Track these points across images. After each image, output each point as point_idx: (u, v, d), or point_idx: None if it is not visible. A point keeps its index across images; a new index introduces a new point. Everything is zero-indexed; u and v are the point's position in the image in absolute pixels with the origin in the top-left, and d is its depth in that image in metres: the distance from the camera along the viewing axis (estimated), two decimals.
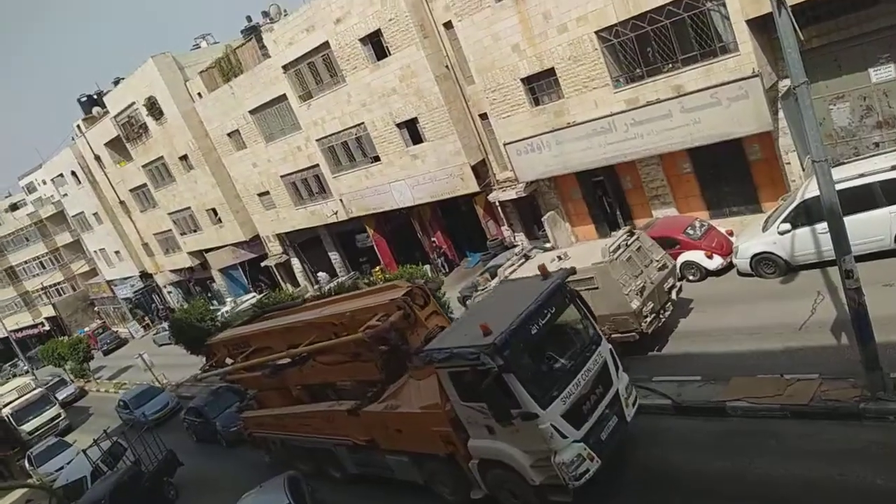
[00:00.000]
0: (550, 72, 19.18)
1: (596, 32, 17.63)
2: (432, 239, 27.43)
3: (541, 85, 19.83)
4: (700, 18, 16.02)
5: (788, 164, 16.91)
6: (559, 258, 15.02)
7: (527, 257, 16.59)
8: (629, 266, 13.35)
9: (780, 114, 16.45)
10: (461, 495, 10.90)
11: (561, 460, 8.88)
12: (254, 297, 31.87)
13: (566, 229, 22.56)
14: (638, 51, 17.26)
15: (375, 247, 29.22)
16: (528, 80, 19.89)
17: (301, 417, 13.98)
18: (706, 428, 10.71)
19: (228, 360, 16.01)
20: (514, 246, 23.84)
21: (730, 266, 15.98)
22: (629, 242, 13.93)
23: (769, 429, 9.94)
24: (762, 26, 15.47)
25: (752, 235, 15.30)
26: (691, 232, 16.60)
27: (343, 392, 13.56)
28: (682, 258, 16.29)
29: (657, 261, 14.05)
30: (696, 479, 9.58)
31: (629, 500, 9.90)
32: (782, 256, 14.49)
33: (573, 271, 11.05)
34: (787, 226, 14.16)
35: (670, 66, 16.99)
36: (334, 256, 32.28)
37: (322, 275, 32.23)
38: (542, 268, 10.66)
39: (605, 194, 21.45)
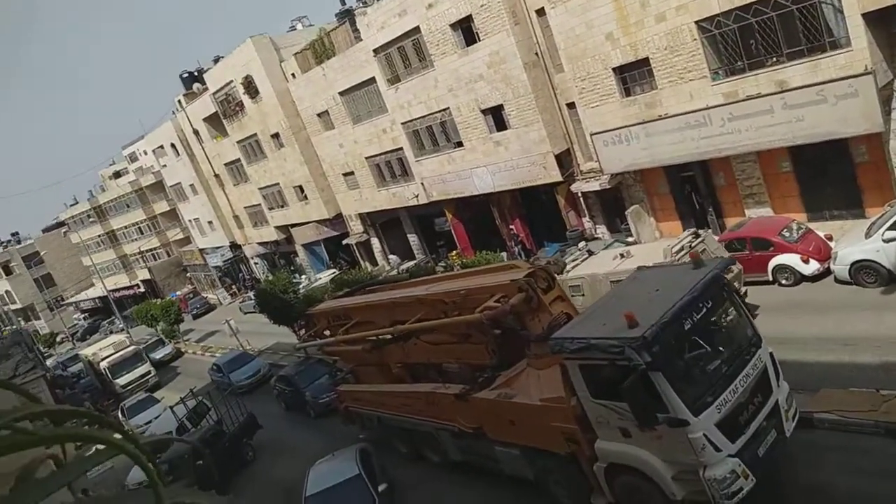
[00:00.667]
0: (644, 62, 18.68)
1: (696, 22, 17.02)
2: (510, 226, 27.37)
3: (633, 75, 19.35)
4: (810, 11, 15.17)
5: None
6: (621, 256, 14.71)
7: (590, 252, 16.37)
8: None
9: (894, 114, 15.39)
10: (579, 499, 10.08)
11: (712, 476, 7.86)
12: (333, 273, 32.85)
13: (651, 224, 22.01)
14: (740, 43, 16.54)
15: (453, 231, 29.46)
16: (619, 70, 19.46)
17: (402, 397, 13.49)
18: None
19: (326, 332, 15.97)
20: (596, 238, 23.49)
21: (826, 272, 15.18)
22: (693, 244, 13.49)
23: (860, 445, 9.47)
24: (879, 20, 14.50)
25: (854, 241, 14.47)
26: (787, 234, 15.86)
27: (449, 374, 12.81)
28: (775, 261, 15.62)
29: None
30: (774, 489, 9.25)
31: None
32: (885, 265, 13.64)
33: (732, 261, 10.09)
34: (894, 233, 13.31)
35: (774, 59, 16.20)
36: (412, 238, 32.78)
37: (393, 257, 32.83)
38: (693, 254, 9.83)
39: (694, 191, 20.75)
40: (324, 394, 19.10)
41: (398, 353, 13.46)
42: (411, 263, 30.32)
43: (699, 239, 13.83)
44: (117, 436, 0.92)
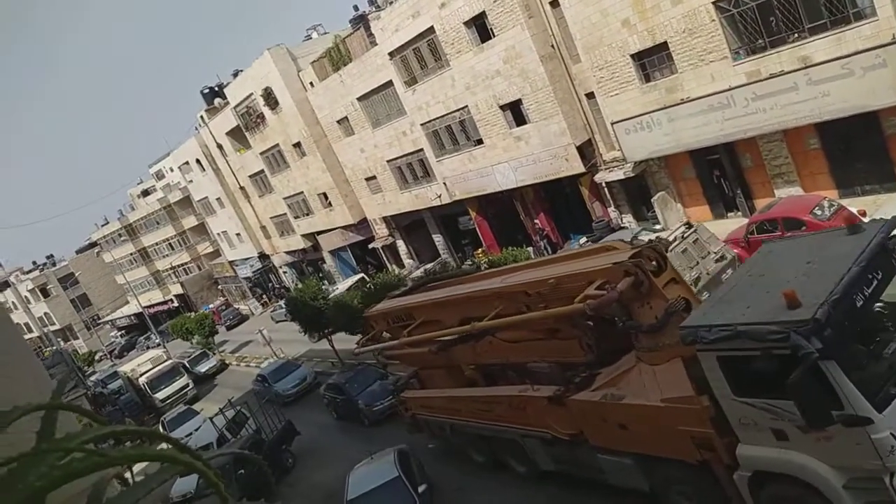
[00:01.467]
0: (663, 46, 18.46)
1: (714, 3, 16.77)
2: (535, 221, 27.26)
3: (652, 60, 19.13)
4: None
5: None
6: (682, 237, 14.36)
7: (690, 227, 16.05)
8: (684, 258, 12.64)
9: None
10: None
11: None
12: (361, 276, 33.06)
13: (678, 210, 21.74)
14: (760, 20, 16.26)
15: (478, 229, 29.43)
16: (638, 56, 19.25)
17: (481, 401, 12.33)
18: None
19: (385, 335, 14.77)
20: (622, 227, 23.26)
21: None
22: (686, 235, 13.24)
23: None
24: None
25: (889, 216, 14.09)
26: (819, 212, 15.53)
27: (532, 374, 11.46)
28: None
29: (714, 252, 13.24)
30: None
31: None
32: None
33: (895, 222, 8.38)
34: None
35: (796, 35, 15.89)
36: (437, 238, 32.83)
37: (409, 262, 32.85)
38: (851, 217, 8.66)
39: (722, 176, 20.42)
40: (378, 401, 18.67)
41: (469, 354, 12.26)
42: (429, 266, 30.35)
43: (691, 230, 13.58)
44: (182, 453, 0.95)
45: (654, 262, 9.14)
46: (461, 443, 14.00)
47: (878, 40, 14.40)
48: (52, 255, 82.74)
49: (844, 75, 15.13)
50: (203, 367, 36.56)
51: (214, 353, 39.02)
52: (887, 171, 16.82)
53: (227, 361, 38.57)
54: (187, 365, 35.99)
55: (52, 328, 72.36)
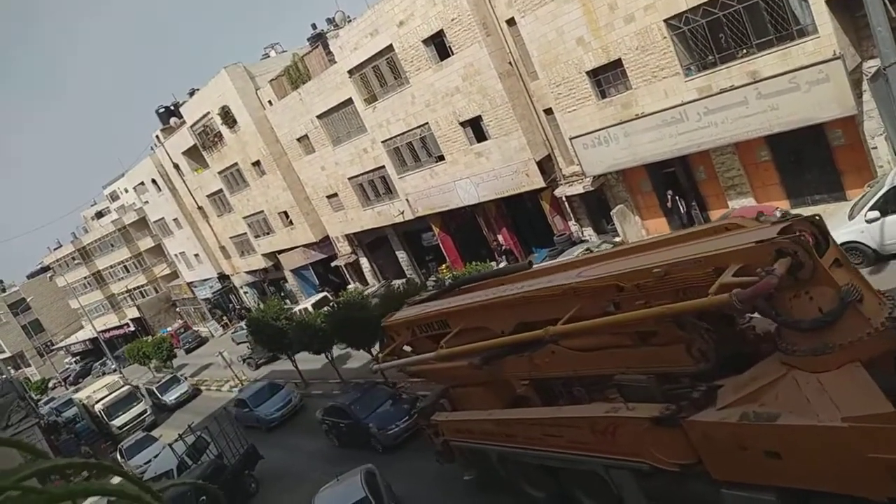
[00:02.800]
0: (617, 63, 18.87)
1: (665, 21, 17.23)
2: (496, 239, 27.43)
3: (607, 77, 19.53)
4: (775, 1, 15.42)
5: (875, 148, 16.07)
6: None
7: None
8: None
9: (865, 97, 15.63)
10: None
11: None
12: (324, 295, 32.72)
13: (636, 223, 22.14)
14: (710, 37, 16.77)
15: (441, 245, 29.45)
16: (594, 73, 19.64)
17: (548, 425, 10.04)
18: None
19: (406, 349, 12.83)
20: (583, 241, 23.56)
21: None
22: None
23: None
24: (843, 5, 14.78)
25: (838, 224, 14.59)
26: None
27: (618, 389, 8.95)
28: None
29: None
30: None
31: None
32: (870, 245, 13.80)
33: None
34: (876, 213, 13.49)
35: (744, 51, 16.43)
36: (401, 255, 32.74)
37: (352, 286, 32.80)
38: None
39: (676, 193, 20.73)
40: (393, 423, 16.70)
41: (523, 367, 10.18)
42: (380, 285, 30.11)
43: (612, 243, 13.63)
44: (130, 485, 0.90)
45: (814, 241, 7.13)
46: (513, 475, 11.59)
47: (821, 56, 14.99)
48: (1, 281, 79.79)
49: (791, 89, 15.68)
50: (173, 395, 33.07)
51: (185, 378, 35.56)
52: (834, 180, 17.44)
53: (200, 387, 35.29)
54: (156, 392, 33.44)
55: (2, 356, 69.55)
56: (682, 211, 20.91)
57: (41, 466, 0.88)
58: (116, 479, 0.94)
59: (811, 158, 17.48)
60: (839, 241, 14.13)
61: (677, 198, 20.87)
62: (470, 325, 10.79)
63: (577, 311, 8.62)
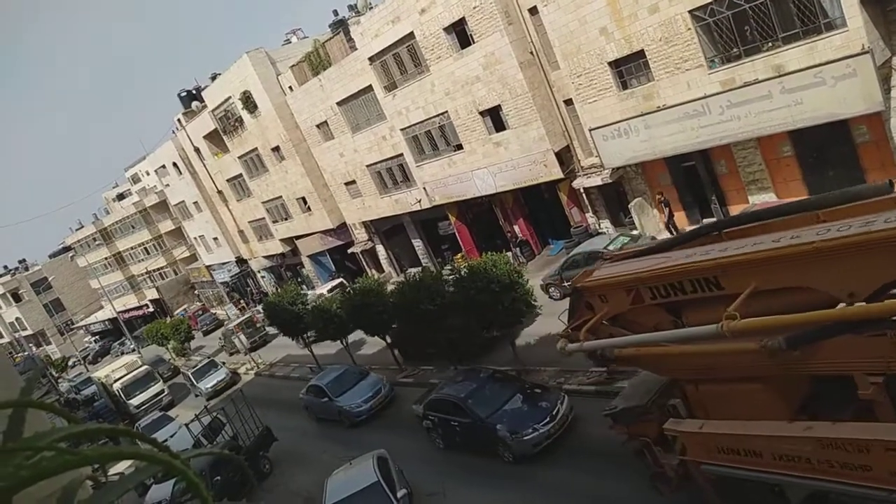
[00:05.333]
0: (640, 54, 18.68)
1: (690, 12, 17.02)
2: (510, 229, 27.39)
3: (629, 68, 19.35)
4: None
5: None
6: None
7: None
8: None
9: (893, 92, 15.35)
10: None
11: None
12: (341, 281, 32.90)
13: (654, 216, 21.98)
14: (735, 29, 16.54)
15: (457, 234, 29.47)
16: (615, 64, 19.46)
17: None
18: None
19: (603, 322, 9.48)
20: (600, 233, 23.46)
21: None
22: None
23: None
24: None
25: None
26: None
27: None
28: None
29: None
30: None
31: None
32: None
33: None
34: None
35: (770, 44, 16.18)
36: (417, 243, 32.80)
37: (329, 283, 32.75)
38: None
39: (663, 197, 20.93)
40: (528, 426, 13.13)
41: (878, 353, 6.60)
42: (412, 270, 30.23)
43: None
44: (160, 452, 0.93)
45: None
46: None
47: (848, 50, 14.73)
48: (24, 260, 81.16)
49: (816, 84, 15.44)
50: (209, 383, 29.57)
51: (223, 364, 31.84)
52: (857, 178, 17.15)
53: (238, 371, 32.26)
54: (191, 377, 30.41)
55: (24, 333, 70.92)
56: (665, 218, 20.92)
57: (73, 430, 0.92)
58: (142, 446, 0.98)
59: (834, 155, 17.22)
60: None
61: (662, 203, 21.00)
62: (771, 283, 7.22)
63: None
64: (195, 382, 29.98)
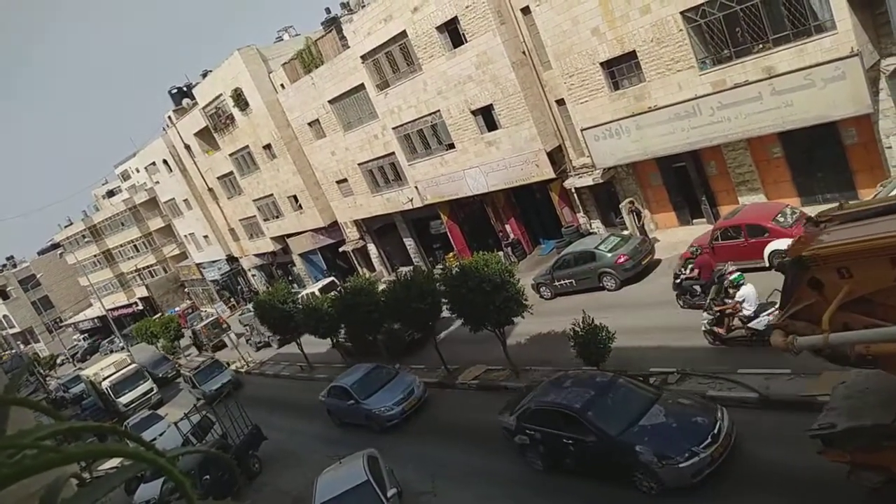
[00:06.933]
0: (631, 55, 18.75)
1: (681, 13, 17.09)
2: (504, 226, 27.43)
3: (621, 69, 19.41)
4: None
5: (889, 147, 15.92)
6: None
7: None
8: None
9: (881, 95, 15.47)
10: None
11: None
12: (332, 279, 32.81)
13: (645, 216, 22.06)
14: (726, 31, 16.63)
15: (449, 233, 29.46)
16: (607, 65, 19.52)
17: None
18: (794, 422, 10.28)
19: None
20: (591, 233, 23.52)
21: None
22: None
23: None
24: (864, 1, 14.58)
25: None
26: (782, 219, 15.93)
27: None
28: (771, 247, 15.66)
29: None
30: (785, 475, 9.24)
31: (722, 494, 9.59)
32: None
33: None
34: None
35: (760, 46, 16.28)
36: (409, 242, 32.77)
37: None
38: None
39: (632, 203, 21.22)
40: (683, 450, 9.92)
41: None
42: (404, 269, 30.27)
43: None
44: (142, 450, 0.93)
45: None
46: None
47: (838, 53, 14.83)
48: (12, 257, 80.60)
49: (806, 86, 15.55)
50: (213, 385, 26.78)
51: (227, 365, 29.74)
52: (846, 179, 17.31)
53: (242, 370, 30.31)
54: (193, 380, 28.13)
55: (12, 331, 70.37)
56: (637, 224, 21.13)
57: (58, 427, 0.91)
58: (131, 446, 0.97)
59: (823, 156, 17.35)
60: None
61: (633, 212, 21.31)
62: None
63: None
64: (197, 385, 27.58)
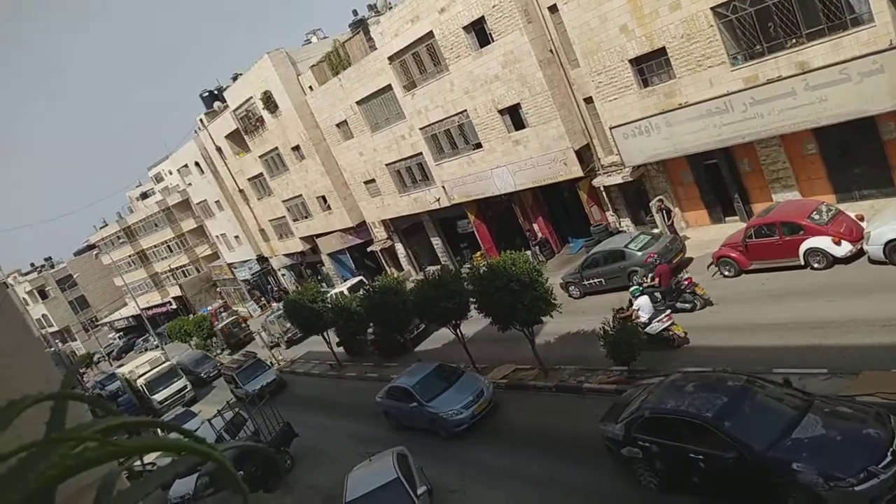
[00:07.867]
0: (661, 51, 18.52)
1: (712, 8, 16.84)
2: (533, 225, 27.31)
3: (650, 66, 19.19)
4: None
5: None
6: None
7: None
8: None
9: None
10: None
11: None
12: (360, 279, 33.02)
13: (676, 214, 21.77)
14: (758, 26, 16.33)
15: (476, 233, 29.44)
16: (636, 62, 19.31)
17: None
18: None
19: None
20: (620, 231, 23.30)
21: (860, 253, 14.89)
22: None
23: None
24: None
25: (887, 220, 14.17)
26: (817, 217, 15.60)
27: None
28: (806, 244, 15.36)
29: None
30: None
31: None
32: None
33: None
34: None
35: (794, 41, 15.95)
36: (436, 242, 32.83)
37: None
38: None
39: (662, 203, 20.98)
40: (863, 465, 7.96)
41: None
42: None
43: None
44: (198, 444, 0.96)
45: None
46: None
47: (876, 46, 14.47)
48: (50, 258, 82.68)
49: (842, 81, 15.19)
50: (257, 385, 25.56)
51: (271, 364, 29.35)
52: (884, 176, 16.87)
53: (285, 368, 29.85)
54: (236, 379, 27.16)
55: (50, 330, 72.21)
56: (667, 222, 20.83)
57: (114, 422, 0.95)
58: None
59: (860, 152, 16.93)
60: (889, 238, 13.77)
61: (663, 210, 21.00)
62: None
63: None
64: (241, 385, 26.61)
